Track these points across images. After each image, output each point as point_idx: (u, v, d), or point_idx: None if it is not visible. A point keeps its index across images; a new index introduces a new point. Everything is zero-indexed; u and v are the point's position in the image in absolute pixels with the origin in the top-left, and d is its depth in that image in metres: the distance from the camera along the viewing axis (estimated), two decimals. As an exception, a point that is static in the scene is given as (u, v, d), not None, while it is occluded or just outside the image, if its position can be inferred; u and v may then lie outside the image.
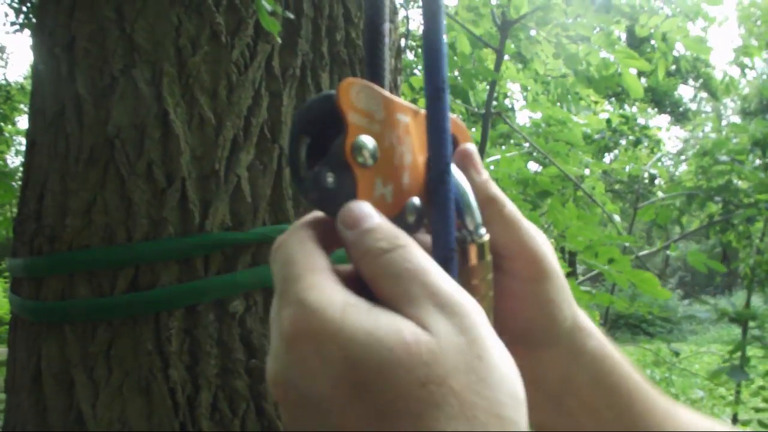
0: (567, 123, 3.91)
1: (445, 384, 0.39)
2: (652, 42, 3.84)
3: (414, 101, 3.63)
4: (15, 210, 1.67)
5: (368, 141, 0.50)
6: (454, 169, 0.55)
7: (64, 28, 1.51)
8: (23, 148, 1.79)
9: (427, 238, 0.56)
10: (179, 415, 1.36)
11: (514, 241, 0.56)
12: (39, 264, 1.48)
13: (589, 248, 1.89)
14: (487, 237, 0.55)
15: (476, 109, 3.67)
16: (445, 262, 0.50)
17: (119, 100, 1.43)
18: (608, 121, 5.68)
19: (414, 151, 0.54)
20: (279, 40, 1.50)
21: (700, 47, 3.72)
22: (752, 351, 4.12)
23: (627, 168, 6.00)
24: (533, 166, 4.75)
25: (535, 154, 4.29)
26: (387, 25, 0.56)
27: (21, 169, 1.83)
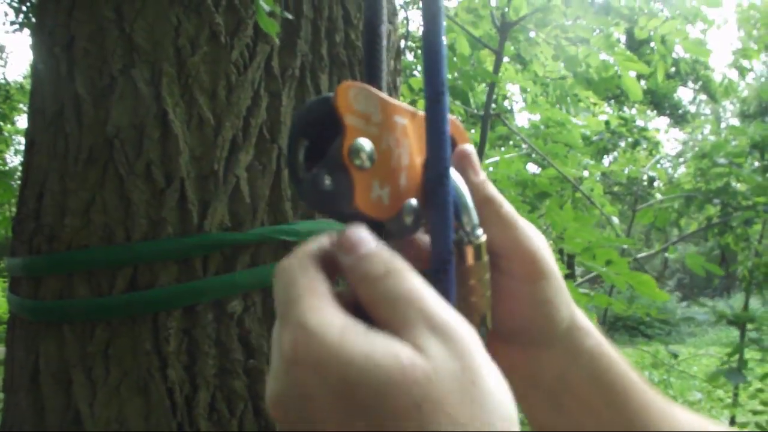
0: (566, 125, 3.91)
1: (439, 406, 0.39)
2: (652, 44, 3.84)
3: (413, 102, 3.63)
4: (14, 209, 1.67)
5: (365, 143, 0.50)
6: (452, 171, 0.56)
7: (64, 28, 1.52)
8: (22, 147, 1.79)
9: (426, 239, 0.56)
10: (177, 415, 1.36)
11: (512, 242, 0.57)
12: (38, 263, 1.49)
13: (587, 250, 1.89)
14: (484, 238, 0.55)
15: (475, 111, 3.67)
16: (443, 264, 0.50)
17: (118, 100, 1.43)
18: (607, 122, 5.69)
19: (411, 153, 0.54)
20: (277, 42, 1.50)
21: (699, 50, 3.73)
22: (750, 354, 4.13)
23: (626, 170, 6.00)
24: (532, 168, 4.76)
25: (533, 155, 4.29)
26: (385, 27, 0.56)
27: (20, 168, 1.83)
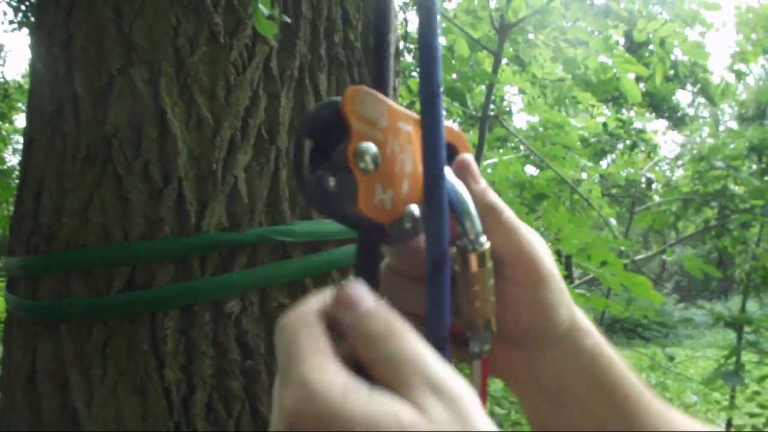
0: (564, 127, 3.92)
1: None
2: (651, 47, 3.84)
3: (411, 103, 3.63)
4: (12, 208, 1.68)
5: (370, 147, 0.51)
6: (456, 180, 0.57)
7: (63, 27, 1.52)
8: (21, 146, 1.79)
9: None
10: (174, 416, 1.36)
11: (512, 248, 0.58)
12: (35, 263, 1.48)
13: (582, 251, 1.90)
14: (487, 245, 0.56)
15: (473, 113, 3.67)
16: (438, 265, 0.51)
17: (117, 100, 1.43)
18: (604, 124, 5.70)
19: (415, 160, 0.55)
20: (275, 44, 1.50)
21: (698, 52, 3.73)
22: (746, 356, 4.13)
23: (624, 172, 6.01)
24: (530, 170, 4.76)
25: (532, 157, 4.29)
26: (393, 35, 0.57)
27: (18, 167, 1.83)
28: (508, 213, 0.59)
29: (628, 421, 0.61)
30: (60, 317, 1.42)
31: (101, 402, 1.37)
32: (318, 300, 0.48)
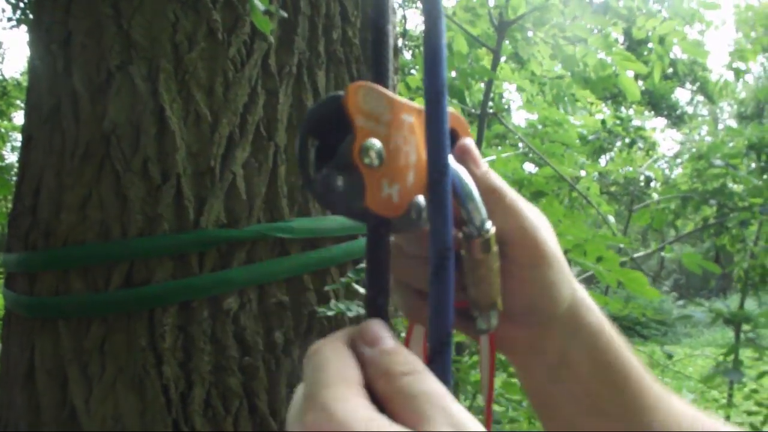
0: (563, 124, 3.92)
1: None
2: (650, 45, 3.84)
3: (411, 100, 3.62)
4: (11, 205, 1.68)
5: (375, 143, 0.52)
6: (459, 166, 0.57)
7: (61, 24, 1.51)
8: (19, 143, 1.79)
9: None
10: (172, 412, 1.36)
11: (514, 229, 0.59)
12: (33, 259, 1.48)
13: (577, 246, 1.90)
14: (492, 231, 0.57)
15: (472, 110, 3.67)
16: (442, 260, 0.51)
17: (115, 96, 1.43)
18: (603, 122, 5.70)
19: (419, 150, 0.55)
20: (272, 40, 1.50)
21: (697, 50, 3.73)
22: (744, 355, 4.13)
23: (622, 170, 6.01)
24: (529, 167, 4.76)
25: (530, 154, 4.29)
26: (391, 27, 0.57)
27: (17, 164, 1.83)
28: (511, 195, 0.59)
29: (625, 398, 0.62)
30: (58, 314, 1.43)
31: (100, 399, 1.37)
32: (348, 332, 0.49)
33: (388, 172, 0.53)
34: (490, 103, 3.54)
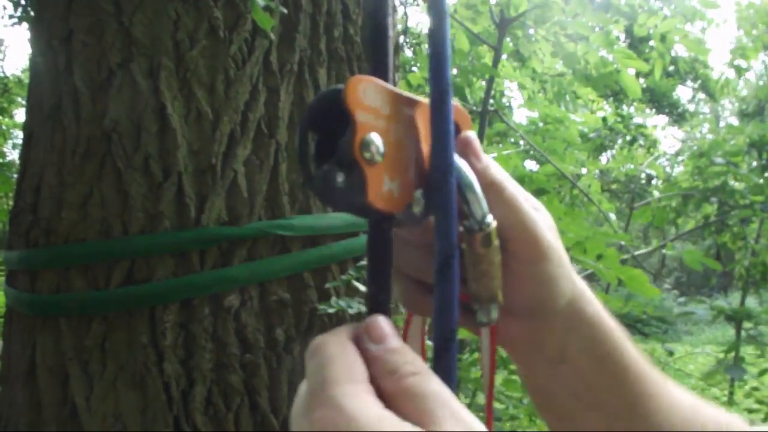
0: (564, 121, 3.91)
1: None
2: (651, 42, 3.84)
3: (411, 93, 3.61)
4: (12, 202, 1.68)
5: (376, 138, 0.51)
6: (460, 159, 0.57)
7: (62, 21, 1.51)
8: (21, 141, 1.79)
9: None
10: (173, 409, 1.36)
11: (514, 224, 0.58)
12: (35, 257, 1.48)
13: (578, 244, 1.89)
14: (494, 225, 0.56)
15: (473, 107, 3.67)
16: (446, 263, 0.51)
17: (116, 94, 1.43)
18: (604, 119, 5.70)
19: (419, 142, 0.55)
20: (273, 36, 1.50)
21: (698, 48, 3.73)
22: (746, 351, 4.13)
23: (623, 168, 6.00)
24: (530, 165, 4.76)
25: (531, 152, 4.29)
26: (390, 19, 0.57)
27: (18, 161, 1.83)
28: (511, 189, 0.59)
29: (628, 390, 0.62)
30: (59, 311, 1.43)
31: (101, 396, 1.37)
32: (351, 328, 0.49)
33: (388, 166, 0.52)
34: (491, 101, 3.54)
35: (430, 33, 0.55)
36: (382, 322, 0.48)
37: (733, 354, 3.83)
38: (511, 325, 0.61)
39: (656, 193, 5.57)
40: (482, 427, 0.44)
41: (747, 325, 4.02)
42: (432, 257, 0.52)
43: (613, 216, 4.21)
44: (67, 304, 1.42)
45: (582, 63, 3.54)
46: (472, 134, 0.60)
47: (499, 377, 2.39)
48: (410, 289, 0.61)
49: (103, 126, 1.42)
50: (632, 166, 5.82)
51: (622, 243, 3.31)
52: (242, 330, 1.42)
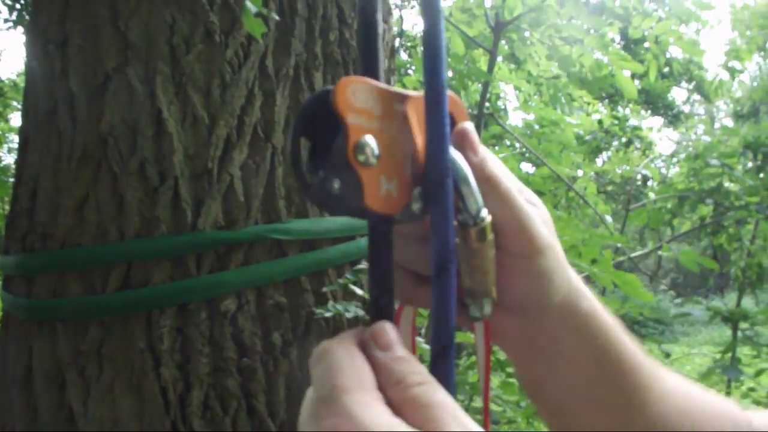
0: (560, 124, 3.92)
1: None
2: (646, 44, 3.85)
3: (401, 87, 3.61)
4: (8, 207, 1.67)
5: (369, 140, 0.50)
6: (456, 152, 0.56)
7: (58, 26, 1.51)
8: (16, 145, 1.79)
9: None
10: (170, 414, 1.36)
11: (508, 220, 0.57)
12: (31, 261, 1.48)
13: (573, 248, 1.90)
14: (488, 219, 0.56)
15: (469, 110, 3.67)
16: (444, 263, 0.51)
17: (112, 98, 1.43)
18: (600, 121, 5.70)
19: (414, 138, 0.54)
20: (261, 41, 1.49)
21: (693, 49, 3.73)
22: (742, 351, 4.13)
23: (619, 170, 6.01)
24: (526, 167, 4.76)
25: (527, 154, 4.30)
26: (380, 15, 0.56)
27: (14, 166, 1.83)
28: (506, 184, 0.58)
29: (623, 382, 0.62)
30: (55, 316, 1.42)
31: (97, 401, 1.36)
32: (356, 333, 0.49)
33: (384, 168, 0.51)
34: (487, 104, 3.54)
35: (424, 33, 0.54)
36: (389, 329, 0.48)
37: (729, 355, 3.83)
38: (505, 321, 0.61)
39: (652, 195, 5.58)
40: None
41: (743, 325, 4.02)
42: (427, 248, 0.52)
43: (609, 218, 4.22)
44: (63, 309, 1.42)
45: (577, 66, 3.55)
46: (468, 126, 0.59)
47: (496, 380, 2.39)
48: (404, 281, 0.60)
49: (99, 130, 1.42)
50: (628, 168, 5.82)
51: (619, 245, 3.31)
52: (239, 334, 1.42)
